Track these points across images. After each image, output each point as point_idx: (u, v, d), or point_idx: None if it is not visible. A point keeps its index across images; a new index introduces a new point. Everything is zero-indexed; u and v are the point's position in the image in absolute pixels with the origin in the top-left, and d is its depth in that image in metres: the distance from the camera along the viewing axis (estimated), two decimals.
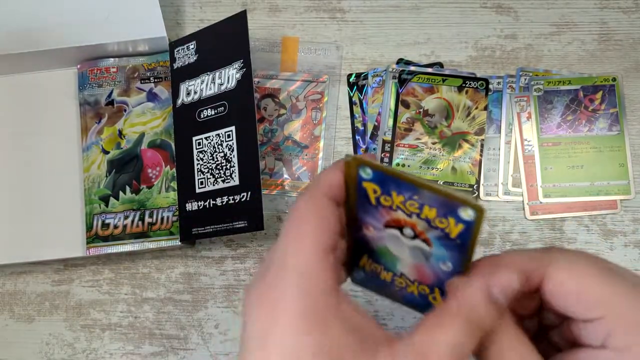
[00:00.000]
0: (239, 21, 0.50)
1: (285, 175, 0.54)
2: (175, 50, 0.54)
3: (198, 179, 0.51)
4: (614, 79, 0.54)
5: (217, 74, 0.51)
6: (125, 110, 0.54)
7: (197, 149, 0.51)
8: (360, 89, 0.55)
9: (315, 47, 0.57)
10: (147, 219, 0.52)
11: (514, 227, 0.53)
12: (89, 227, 0.52)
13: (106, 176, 0.53)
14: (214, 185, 0.49)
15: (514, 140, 0.54)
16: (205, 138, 0.51)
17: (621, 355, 0.23)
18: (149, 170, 0.53)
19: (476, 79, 0.55)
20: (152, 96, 0.55)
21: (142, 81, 0.55)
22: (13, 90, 0.56)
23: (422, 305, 0.28)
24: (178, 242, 0.51)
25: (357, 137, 0.55)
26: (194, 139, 0.51)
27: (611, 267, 0.25)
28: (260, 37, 0.57)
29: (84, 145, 0.54)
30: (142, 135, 0.54)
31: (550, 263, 0.25)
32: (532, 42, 0.57)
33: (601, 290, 0.24)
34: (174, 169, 0.52)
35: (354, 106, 0.55)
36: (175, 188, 0.52)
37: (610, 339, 0.24)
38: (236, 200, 0.48)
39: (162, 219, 0.52)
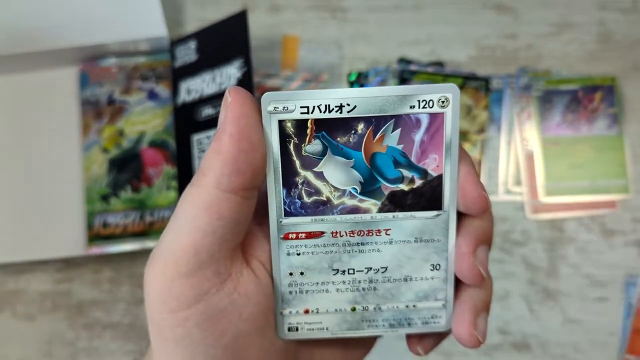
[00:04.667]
0: (240, 20, 0.50)
1: None
2: (176, 49, 0.54)
3: None
4: (613, 79, 0.55)
5: (218, 72, 0.51)
6: (126, 110, 0.54)
7: (197, 147, 0.51)
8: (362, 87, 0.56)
9: (316, 46, 0.57)
10: (147, 218, 0.52)
11: (515, 226, 0.53)
12: (90, 226, 0.52)
13: (107, 175, 0.53)
14: None
15: (514, 139, 0.54)
16: (206, 137, 0.51)
17: None
18: (150, 170, 0.53)
19: (476, 79, 0.55)
20: (153, 95, 0.55)
21: (143, 80, 0.55)
22: (14, 90, 0.56)
23: None
24: None
25: None
26: (195, 137, 0.51)
27: None
28: (260, 36, 0.57)
29: (84, 144, 0.54)
30: (143, 134, 0.54)
31: None
32: (532, 42, 0.57)
33: None
34: (175, 168, 0.53)
35: None
36: (176, 187, 0.52)
37: None
38: None
39: (163, 218, 0.52)
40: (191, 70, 0.53)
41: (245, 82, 0.49)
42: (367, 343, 0.28)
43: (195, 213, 0.21)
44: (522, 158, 0.54)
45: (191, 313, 0.21)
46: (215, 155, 0.21)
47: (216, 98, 0.51)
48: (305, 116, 0.22)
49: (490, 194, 0.53)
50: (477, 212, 0.23)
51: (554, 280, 0.53)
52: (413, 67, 0.55)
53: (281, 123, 0.22)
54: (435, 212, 0.24)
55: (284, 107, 0.22)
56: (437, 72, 0.55)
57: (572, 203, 0.53)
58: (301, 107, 0.22)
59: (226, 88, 0.51)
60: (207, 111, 0.51)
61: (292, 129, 0.22)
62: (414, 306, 0.25)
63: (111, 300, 0.53)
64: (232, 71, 0.50)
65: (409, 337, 0.26)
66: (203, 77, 0.52)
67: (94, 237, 0.52)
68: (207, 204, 0.21)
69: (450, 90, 0.22)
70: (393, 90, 0.22)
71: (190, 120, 0.52)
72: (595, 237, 0.53)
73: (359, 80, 0.56)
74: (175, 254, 0.21)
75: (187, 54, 0.54)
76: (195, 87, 0.52)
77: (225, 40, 0.51)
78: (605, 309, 0.52)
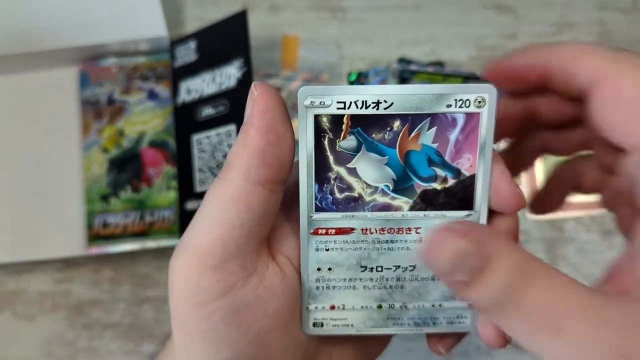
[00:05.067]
0: (240, 20, 0.50)
1: None
2: (176, 49, 0.54)
3: (198, 178, 0.51)
4: None
5: (218, 72, 0.51)
6: (126, 110, 0.54)
7: (197, 147, 0.51)
8: None
9: (316, 46, 0.57)
10: (147, 218, 0.52)
11: None
12: (90, 226, 0.52)
13: (107, 175, 0.53)
14: None
15: None
16: (206, 137, 0.51)
17: None
18: (150, 169, 0.53)
19: (477, 78, 0.55)
20: (153, 95, 0.55)
21: (143, 80, 0.55)
22: (14, 90, 0.56)
23: None
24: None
25: None
26: (195, 137, 0.51)
27: None
28: (260, 36, 0.57)
29: (84, 144, 0.54)
30: (143, 134, 0.54)
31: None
32: (532, 42, 0.57)
33: None
34: (175, 168, 0.53)
35: None
36: (176, 187, 0.52)
37: None
38: None
39: (163, 218, 0.52)
40: (191, 70, 0.53)
41: (245, 82, 0.49)
42: (386, 339, 0.28)
43: (223, 206, 0.21)
44: None
45: (217, 307, 0.21)
46: (243, 148, 0.21)
47: (216, 98, 0.51)
48: (341, 111, 0.22)
49: None
50: (513, 209, 0.23)
51: None
52: (413, 67, 0.55)
53: (317, 118, 0.22)
54: (466, 212, 0.24)
55: (320, 102, 0.22)
56: (437, 72, 0.55)
57: (572, 203, 0.53)
58: (338, 102, 0.22)
59: (226, 88, 0.51)
60: (207, 111, 0.51)
61: (327, 124, 0.22)
62: (440, 305, 0.25)
63: (111, 300, 0.53)
64: (232, 71, 0.50)
65: (429, 336, 0.26)
66: (203, 77, 0.52)
67: (94, 237, 0.52)
68: (235, 196, 0.21)
69: (487, 91, 0.22)
70: (431, 88, 0.22)
71: (190, 120, 0.52)
72: (594, 237, 0.53)
73: (359, 80, 0.56)
74: (202, 246, 0.21)
75: (187, 54, 0.54)
76: (195, 87, 0.52)
77: (225, 40, 0.51)
78: None
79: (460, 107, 0.22)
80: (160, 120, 0.54)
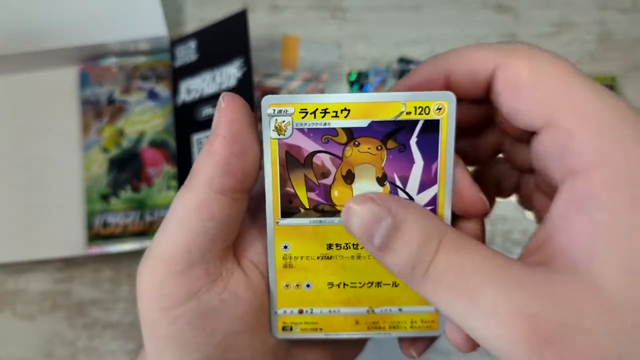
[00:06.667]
0: (240, 20, 0.50)
1: None
2: (176, 49, 0.54)
3: None
4: (613, 79, 0.55)
5: (218, 72, 0.51)
6: (126, 110, 0.54)
7: (197, 147, 0.51)
8: (361, 88, 0.56)
9: (316, 46, 0.57)
10: (147, 218, 0.52)
11: (515, 226, 0.53)
12: (90, 226, 0.52)
13: (107, 175, 0.53)
14: None
15: None
16: (206, 137, 0.51)
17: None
18: (150, 169, 0.53)
19: None
20: (153, 95, 0.55)
21: (143, 80, 0.55)
22: (14, 89, 0.56)
23: None
24: None
25: None
26: (195, 137, 0.51)
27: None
28: (260, 36, 0.57)
29: (84, 144, 0.54)
30: (143, 134, 0.54)
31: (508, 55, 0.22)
32: (532, 42, 0.57)
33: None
34: (175, 168, 0.53)
35: None
36: (176, 187, 0.52)
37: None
38: None
39: (163, 217, 0.52)
40: (191, 70, 0.53)
41: (245, 82, 0.49)
42: (359, 343, 0.28)
43: (187, 214, 0.22)
44: None
45: (183, 311, 0.22)
46: (207, 157, 0.22)
47: (216, 98, 0.51)
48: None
49: None
50: (477, 214, 0.23)
51: None
52: (413, 67, 0.55)
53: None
54: None
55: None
56: None
57: None
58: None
59: (226, 88, 0.51)
60: (207, 111, 0.51)
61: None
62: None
63: (111, 300, 0.53)
64: (232, 71, 0.50)
65: (401, 340, 0.27)
66: (203, 77, 0.52)
67: (94, 236, 0.52)
68: (198, 204, 0.22)
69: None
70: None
71: (190, 120, 0.52)
72: None
73: (359, 80, 0.56)
74: (167, 253, 0.22)
75: (187, 53, 0.54)
76: (195, 86, 0.52)
77: (225, 40, 0.52)
78: None
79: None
80: (160, 120, 0.54)
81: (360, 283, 0.25)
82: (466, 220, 0.24)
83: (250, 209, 0.24)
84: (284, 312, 0.25)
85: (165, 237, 0.22)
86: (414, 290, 0.21)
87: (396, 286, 0.25)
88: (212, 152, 0.22)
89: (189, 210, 0.22)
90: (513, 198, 0.55)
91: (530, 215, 0.53)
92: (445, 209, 0.23)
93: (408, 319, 0.25)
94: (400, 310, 0.25)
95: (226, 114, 0.22)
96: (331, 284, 0.25)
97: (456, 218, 0.24)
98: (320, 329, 0.25)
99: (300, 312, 0.25)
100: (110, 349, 0.52)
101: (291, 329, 0.25)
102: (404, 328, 0.25)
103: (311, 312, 0.25)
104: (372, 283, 0.25)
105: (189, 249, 0.22)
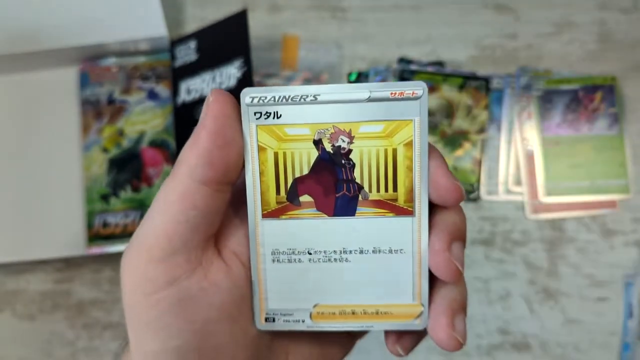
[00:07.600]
0: (240, 20, 0.50)
1: None
2: (176, 49, 0.54)
3: None
4: (614, 79, 0.55)
5: (218, 72, 0.51)
6: (126, 110, 0.54)
7: None
8: None
9: (316, 46, 0.57)
10: None
11: (515, 226, 0.53)
12: (90, 226, 0.52)
13: (107, 175, 0.53)
14: None
15: (514, 139, 0.54)
16: None
17: None
18: (150, 169, 0.53)
19: (477, 78, 0.55)
20: (153, 95, 0.55)
21: (143, 80, 0.55)
22: (14, 89, 0.56)
23: None
24: None
25: None
26: None
27: None
28: (260, 36, 0.57)
29: (84, 144, 0.54)
30: (143, 134, 0.54)
31: None
32: (532, 42, 0.57)
33: None
34: None
35: None
36: None
37: None
38: None
39: None
40: (191, 70, 0.53)
41: (245, 82, 0.49)
42: (347, 343, 0.28)
43: (170, 202, 0.22)
44: (522, 158, 0.54)
45: (163, 296, 0.22)
46: (191, 148, 0.22)
47: None
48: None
49: (490, 194, 0.54)
50: (452, 202, 0.23)
51: (554, 280, 0.53)
52: (413, 67, 0.55)
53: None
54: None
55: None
56: (437, 72, 0.55)
57: (572, 203, 0.53)
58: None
59: (226, 88, 0.51)
60: None
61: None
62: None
63: (111, 300, 0.53)
64: (232, 71, 0.50)
65: (387, 336, 0.26)
66: (203, 77, 0.52)
67: (94, 237, 0.52)
68: (180, 194, 0.22)
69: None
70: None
71: (190, 120, 0.52)
72: (595, 237, 0.53)
73: (359, 80, 0.56)
74: (149, 240, 0.22)
75: (187, 53, 0.54)
76: (195, 86, 0.52)
77: (225, 40, 0.51)
78: (605, 309, 0.52)
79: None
80: (160, 120, 0.54)
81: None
82: (445, 210, 0.24)
83: (233, 200, 0.24)
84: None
85: (148, 224, 0.23)
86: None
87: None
88: (196, 144, 0.22)
89: (172, 199, 0.22)
90: (513, 197, 0.55)
91: (530, 215, 0.53)
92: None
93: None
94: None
95: (213, 108, 0.22)
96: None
97: (433, 207, 0.24)
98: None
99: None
100: (110, 349, 0.52)
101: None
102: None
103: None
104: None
105: (171, 237, 0.22)
